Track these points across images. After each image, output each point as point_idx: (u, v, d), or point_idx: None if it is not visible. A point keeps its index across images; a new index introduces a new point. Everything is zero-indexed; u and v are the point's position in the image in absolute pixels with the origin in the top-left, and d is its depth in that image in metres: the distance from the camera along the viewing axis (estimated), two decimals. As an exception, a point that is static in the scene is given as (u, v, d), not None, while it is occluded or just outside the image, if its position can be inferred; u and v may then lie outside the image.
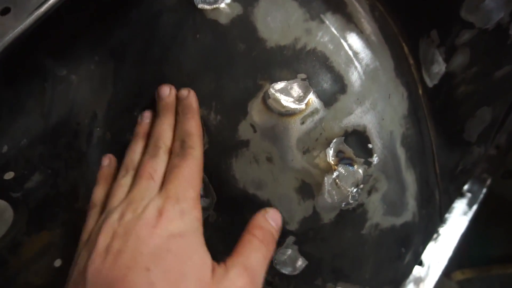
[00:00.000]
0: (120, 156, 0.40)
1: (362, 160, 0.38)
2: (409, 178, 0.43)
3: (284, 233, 0.39)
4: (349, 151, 0.37)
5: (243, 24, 0.36)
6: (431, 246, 0.64)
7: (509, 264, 1.23)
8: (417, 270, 0.62)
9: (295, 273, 0.41)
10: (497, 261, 1.27)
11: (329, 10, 0.38)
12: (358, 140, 0.38)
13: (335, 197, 0.38)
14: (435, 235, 0.65)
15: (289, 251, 0.40)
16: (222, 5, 0.37)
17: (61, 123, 0.41)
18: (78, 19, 0.40)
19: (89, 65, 0.41)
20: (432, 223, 0.51)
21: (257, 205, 0.37)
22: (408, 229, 0.45)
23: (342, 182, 0.37)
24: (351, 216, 0.39)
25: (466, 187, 0.72)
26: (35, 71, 0.39)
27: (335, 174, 0.37)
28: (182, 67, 0.37)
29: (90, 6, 0.40)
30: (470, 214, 0.68)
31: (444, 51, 0.39)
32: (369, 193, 0.39)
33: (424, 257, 0.63)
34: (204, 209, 0.39)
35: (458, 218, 0.68)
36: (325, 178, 0.37)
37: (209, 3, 0.37)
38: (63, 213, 0.45)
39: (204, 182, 0.38)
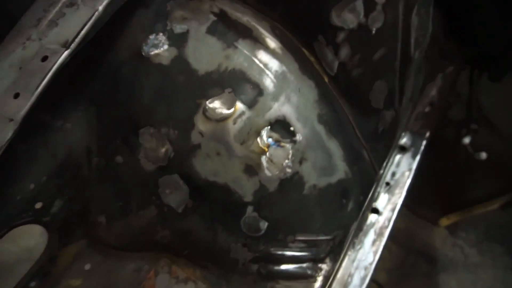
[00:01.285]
0: (114, 176, 0.54)
1: (288, 140, 0.52)
2: (333, 146, 0.56)
3: (243, 205, 0.53)
4: (276, 136, 0.51)
5: (180, 62, 0.50)
6: (385, 197, 0.77)
7: (489, 202, 1.35)
8: (375, 217, 0.75)
9: (261, 233, 0.55)
10: (478, 201, 1.39)
11: (239, 37, 0.51)
12: (281, 126, 0.51)
13: (273, 170, 0.51)
14: (387, 187, 0.79)
15: (251, 218, 0.53)
16: (162, 51, 0.50)
17: (66, 160, 0.54)
18: (63, 80, 0.54)
19: (77, 113, 0.54)
20: (367, 175, 0.65)
21: (218, 188, 0.51)
22: (343, 184, 0.59)
23: (276, 159, 0.51)
24: (291, 182, 0.53)
25: (408, 142, 0.85)
26: (38, 127, 0.52)
27: (268, 154, 0.51)
28: (142, 101, 0.51)
29: (71, 68, 0.54)
30: (414, 164, 0.81)
31: (332, 48, 0.53)
32: (300, 163, 0.53)
33: (380, 206, 0.76)
34: (183, 200, 0.52)
35: (405, 170, 0.81)
36: (262, 158, 0.50)
37: (152, 50, 0.50)
38: (80, 228, 0.59)
39: (176, 180, 0.52)
